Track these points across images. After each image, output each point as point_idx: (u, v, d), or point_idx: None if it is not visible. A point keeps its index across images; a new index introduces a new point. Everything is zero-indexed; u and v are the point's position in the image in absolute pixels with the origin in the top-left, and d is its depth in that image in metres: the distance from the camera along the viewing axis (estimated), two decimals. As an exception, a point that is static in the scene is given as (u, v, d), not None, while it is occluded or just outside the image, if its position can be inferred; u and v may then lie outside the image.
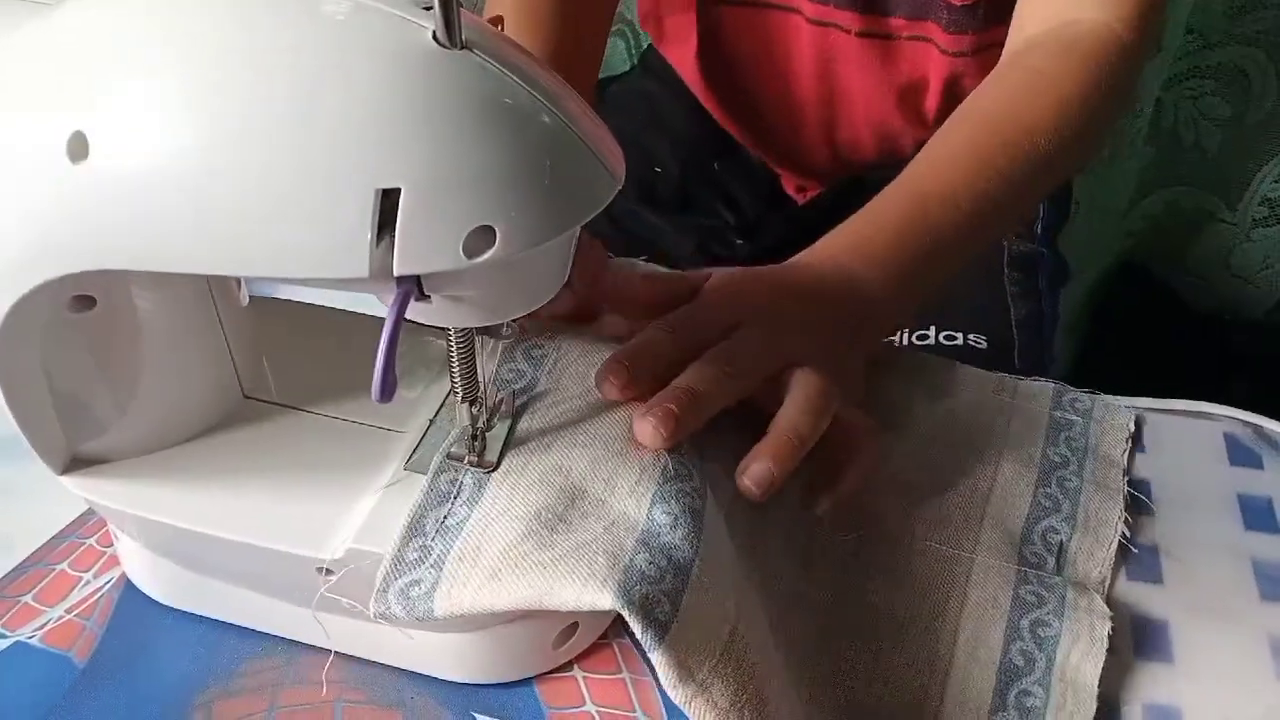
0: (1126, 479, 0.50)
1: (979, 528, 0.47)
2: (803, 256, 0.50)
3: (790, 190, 0.87)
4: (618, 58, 1.15)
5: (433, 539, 0.37)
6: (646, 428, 0.39)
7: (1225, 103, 1.12)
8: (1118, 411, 0.53)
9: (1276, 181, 1.15)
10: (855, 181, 0.81)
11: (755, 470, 0.41)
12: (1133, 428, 0.52)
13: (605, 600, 0.34)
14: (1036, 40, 0.60)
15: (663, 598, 0.35)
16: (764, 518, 0.43)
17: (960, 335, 0.67)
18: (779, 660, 0.39)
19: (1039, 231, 0.77)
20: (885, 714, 0.41)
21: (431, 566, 0.36)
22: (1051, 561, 0.46)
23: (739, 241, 0.83)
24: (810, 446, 0.42)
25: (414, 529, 0.38)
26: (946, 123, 0.57)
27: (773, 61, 0.80)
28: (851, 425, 0.45)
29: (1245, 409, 0.55)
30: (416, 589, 0.36)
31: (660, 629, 0.34)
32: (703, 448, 0.41)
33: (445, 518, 0.38)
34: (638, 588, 0.35)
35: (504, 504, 0.38)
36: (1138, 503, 0.50)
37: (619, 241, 0.77)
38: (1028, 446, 0.51)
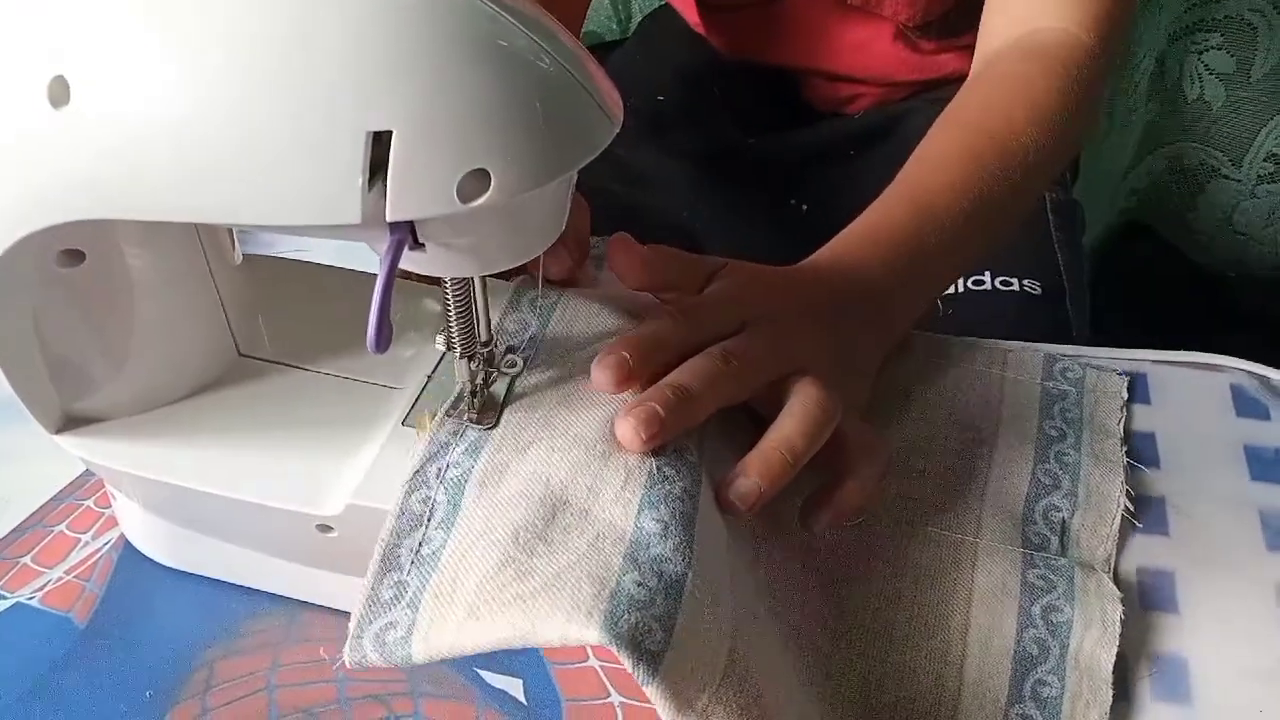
0: (1125, 449, 0.49)
1: (980, 510, 0.46)
2: (813, 257, 0.49)
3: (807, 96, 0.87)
4: (602, 11, 1.13)
5: (408, 573, 0.35)
6: (627, 430, 0.36)
7: (1230, 56, 1.10)
8: (1110, 379, 0.52)
9: (1282, 136, 1.14)
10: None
11: (740, 486, 0.38)
12: (1126, 395, 0.52)
13: (592, 635, 0.31)
14: (1004, 49, 0.62)
15: (654, 624, 0.32)
16: (763, 513, 0.41)
17: (1016, 281, 0.66)
18: (787, 664, 0.38)
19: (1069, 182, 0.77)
20: (902, 710, 0.39)
21: (408, 606, 0.34)
22: (1055, 541, 0.45)
23: (750, 140, 0.82)
24: (803, 463, 0.39)
25: (388, 562, 0.35)
26: (933, 128, 0.57)
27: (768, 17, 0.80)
28: (852, 440, 0.42)
29: (1250, 365, 0.55)
30: (392, 633, 0.34)
31: (652, 661, 0.31)
32: (701, 437, 0.39)
33: (420, 545, 0.35)
34: (626, 616, 0.32)
35: (481, 525, 0.35)
36: (1142, 455, 0.49)
37: (621, 183, 0.77)
38: (1023, 421, 0.49)
